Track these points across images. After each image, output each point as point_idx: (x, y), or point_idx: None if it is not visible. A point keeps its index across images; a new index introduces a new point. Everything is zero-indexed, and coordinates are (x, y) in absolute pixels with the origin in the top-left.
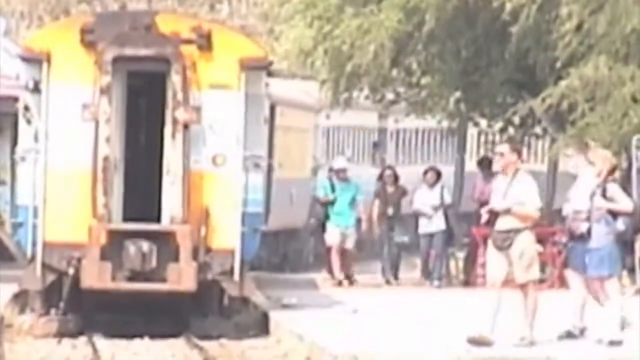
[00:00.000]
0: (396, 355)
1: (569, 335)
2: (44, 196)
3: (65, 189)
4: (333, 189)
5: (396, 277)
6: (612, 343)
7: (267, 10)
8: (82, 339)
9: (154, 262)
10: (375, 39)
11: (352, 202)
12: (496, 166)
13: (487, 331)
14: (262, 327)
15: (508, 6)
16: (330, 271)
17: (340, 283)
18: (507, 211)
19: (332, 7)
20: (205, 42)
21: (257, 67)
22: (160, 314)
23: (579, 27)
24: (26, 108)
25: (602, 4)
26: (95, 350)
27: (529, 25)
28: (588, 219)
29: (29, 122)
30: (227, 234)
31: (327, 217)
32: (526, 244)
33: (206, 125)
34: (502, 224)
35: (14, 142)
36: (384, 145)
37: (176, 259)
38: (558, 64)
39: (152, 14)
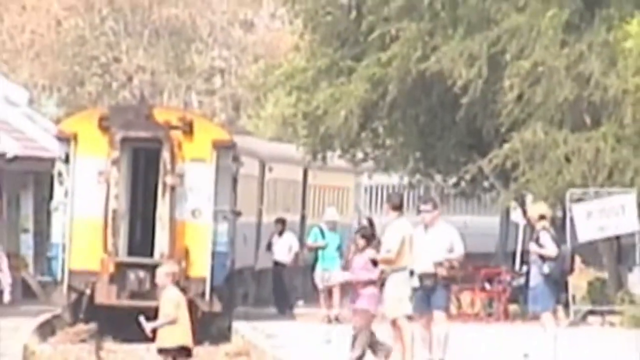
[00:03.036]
0: None
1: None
2: (70, 236)
3: (85, 231)
4: (323, 237)
5: None
6: None
7: (254, 81)
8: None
9: (147, 286)
10: (345, 106)
11: (339, 249)
12: (426, 219)
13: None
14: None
15: (459, 80)
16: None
17: (329, 319)
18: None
19: (308, 79)
20: (188, 128)
21: (225, 147)
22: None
23: (519, 98)
24: (59, 173)
25: (539, 78)
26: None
27: (477, 96)
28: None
29: (61, 183)
30: (200, 267)
31: (315, 260)
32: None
33: (187, 187)
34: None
35: (35, 196)
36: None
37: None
38: (502, 129)
39: (150, 107)
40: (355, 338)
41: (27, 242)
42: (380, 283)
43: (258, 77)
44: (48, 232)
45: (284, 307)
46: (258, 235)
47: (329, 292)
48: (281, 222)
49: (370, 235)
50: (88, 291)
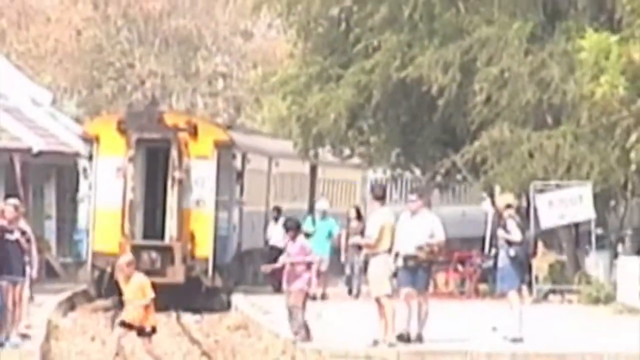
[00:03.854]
0: (348, 348)
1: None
2: (93, 223)
3: (106, 219)
4: (314, 224)
5: (351, 291)
6: (515, 340)
7: (253, 86)
8: (110, 337)
9: (159, 264)
10: (334, 109)
11: (329, 235)
12: (411, 207)
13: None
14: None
15: (435, 85)
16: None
17: (314, 297)
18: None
19: (301, 84)
20: (193, 130)
21: (225, 146)
22: (164, 296)
23: (488, 100)
24: (84, 170)
25: (506, 82)
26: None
27: (451, 98)
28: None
29: (86, 177)
30: (204, 248)
31: None
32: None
33: (192, 181)
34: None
35: (58, 186)
36: None
37: (172, 262)
38: (473, 128)
39: (161, 113)
40: (291, 315)
41: (50, 228)
42: (364, 264)
43: (257, 82)
44: (69, 219)
45: (278, 286)
46: (266, 221)
47: (317, 273)
48: (277, 209)
49: (295, 227)
50: (109, 269)
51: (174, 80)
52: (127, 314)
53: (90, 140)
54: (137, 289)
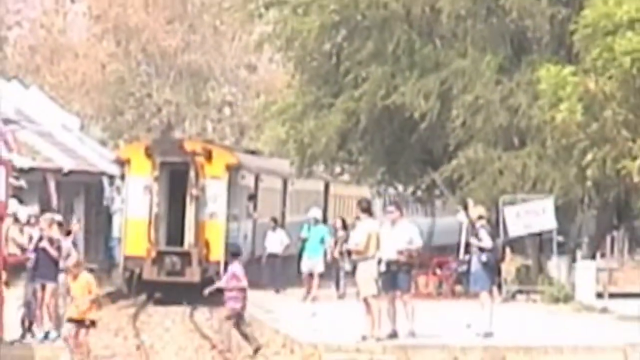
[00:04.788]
0: (340, 342)
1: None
2: (125, 232)
3: (135, 228)
4: (309, 230)
5: (344, 291)
6: (486, 334)
7: (256, 112)
8: (131, 331)
9: (179, 267)
10: (327, 133)
11: (322, 241)
12: (391, 217)
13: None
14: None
15: (416, 111)
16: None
17: (311, 298)
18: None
19: (298, 112)
20: (208, 155)
21: (235, 168)
22: (183, 292)
23: (463, 124)
24: (117, 188)
25: (479, 108)
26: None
27: (431, 122)
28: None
29: (119, 193)
30: (217, 253)
31: (302, 250)
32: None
33: (207, 197)
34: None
35: (85, 202)
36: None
37: (190, 265)
38: (450, 149)
39: (181, 140)
40: (221, 327)
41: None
42: (353, 268)
43: (259, 110)
44: (95, 230)
45: (278, 290)
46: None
47: (311, 277)
48: (274, 220)
49: (232, 254)
50: (138, 270)
51: (186, 108)
52: (70, 311)
53: (122, 163)
54: (83, 287)
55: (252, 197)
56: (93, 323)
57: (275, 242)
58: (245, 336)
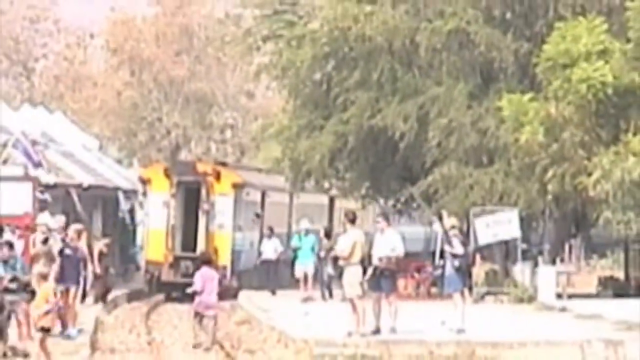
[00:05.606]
0: (329, 338)
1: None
2: (146, 240)
3: (155, 237)
4: (300, 240)
5: (330, 294)
6: (459, 331)
7: (255, 134)
8: (144, 329)
9: (192, 270)
10: (318, 152)
11: (312, 249)
12: (379, 227)
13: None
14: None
15: (397, 132)
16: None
17: (306, 299)
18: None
19: (292, 134)
20: (217, 175)
21: (240, 186)
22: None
23: (439, 144)
24: (140, 203)
25: (452, 130)
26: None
27: (410, 142)
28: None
29: (141, 207)
30: (224, 259)
31: (295, 257)
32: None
33: (216, 211)
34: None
35: (103, 214)
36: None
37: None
38: (427, 166)
39: (194, 163)
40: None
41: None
42: (340, 273)
43: (257, 132)
44: (112, 238)
45: (273, 290)
46: (288, 239)
47: (305, 280)
48: (270, 229)
49: (200, 261)
50: (157, 273)
51: (193, 130)
52: (36, 319)
53: (144, 181)
54: (42, 297)
55: (259, 216)
56: (47, 330)
57: (270, 249)
58: (201, 329)
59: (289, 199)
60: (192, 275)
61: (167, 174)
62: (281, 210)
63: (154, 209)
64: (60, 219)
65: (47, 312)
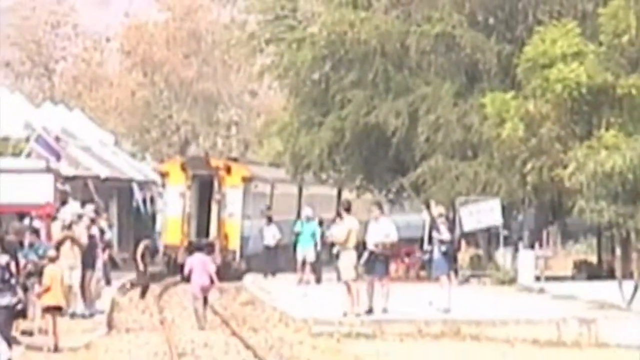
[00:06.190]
0: (326, 317)
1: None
2: (165, 226)
3: (173, 224)
4: (302, 226)
5: (319, 280)
6: (445, 310)
7: (258, 130)
8: (156, 309)
9: (205, 253)
10: (317, 147)
11: (313, 235)
12: (374, 216)
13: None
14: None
15: (389, 128)
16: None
17: (306, 282)
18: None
19: (294, 130)
20: (228, 169)
21: (248, 179)
22: None
23: (427, 139)
24: (160, 193)
25: (440, 126)
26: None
27: (401, 138)
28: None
29: (161, 198)
30: (234, 243)
31: (296, 242)
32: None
33: (227, 201)
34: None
35: (118, 203)
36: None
37: (213, 252)
38: (416, 159)
39: (208, 158)
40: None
41: (113, 232)
42: (335, 257)
43: (260, 128)
44: (126, 225)
45: (273, 273)
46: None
47: (303, 264)
48: (268, 218)
49: (205, 246)
50: (174, 256)
51: (200, 127)
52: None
53: (163, 175)
54: (47, 276)
55: (269, 207)
56: (60, 310)
57: (269, 236)
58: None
59: (299, 190)
60: None
61: (183, 168)
62: (290, 200)
63: (171, 199)
64: (90, 208)
65: (45, 290)
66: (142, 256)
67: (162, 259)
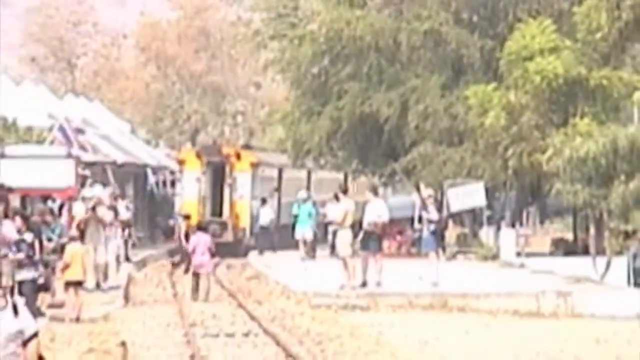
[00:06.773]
0: (324, 289)
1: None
2: (182, 208)
3: (189, 205)
4: (299, 208)
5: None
6: (434, 284)
7: (262, 120)
8: (168, 284)
9: (219, 231)
10: (317, 134)
11: (310, 215)
12: (367, 197)
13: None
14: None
15: (382, 117)
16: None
17: (304, 258)
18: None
19: (295, 119)
20: (238, 156)
21: (256, 165)
22: (222, 248)
23: (417, 127)
24: (178, 178)
25: (428, 115)
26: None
27: (393, 126)
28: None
29: (179, 182)
30: (244, 222)
31: (295, 222)
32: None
33: (238, 185)
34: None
35: (134, 187)
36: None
37: (226, 230)
38: (407, 145)
39: (220, 146)
40: (197, 282)
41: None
42: (333, 235)
43: (264, 117)
44: (142, 207)
45: (270, 250)
46: None
47: (304, 243)
48: (262, 200)
49: (201, 226)
50: (191, 234)
51: (209, 116)
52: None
53: (180, 162)
54: (68, 254)
55: (276, 189)
56: (81, 284)
57: (265, 217)
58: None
59: (307, 175)
60: (219, 236)
61: (198, 155)
62: (298, 184)
63: (188, 183)
64: (109, 190)
65: (66, 267)
66: (186, 235)
67: (179, 237)
